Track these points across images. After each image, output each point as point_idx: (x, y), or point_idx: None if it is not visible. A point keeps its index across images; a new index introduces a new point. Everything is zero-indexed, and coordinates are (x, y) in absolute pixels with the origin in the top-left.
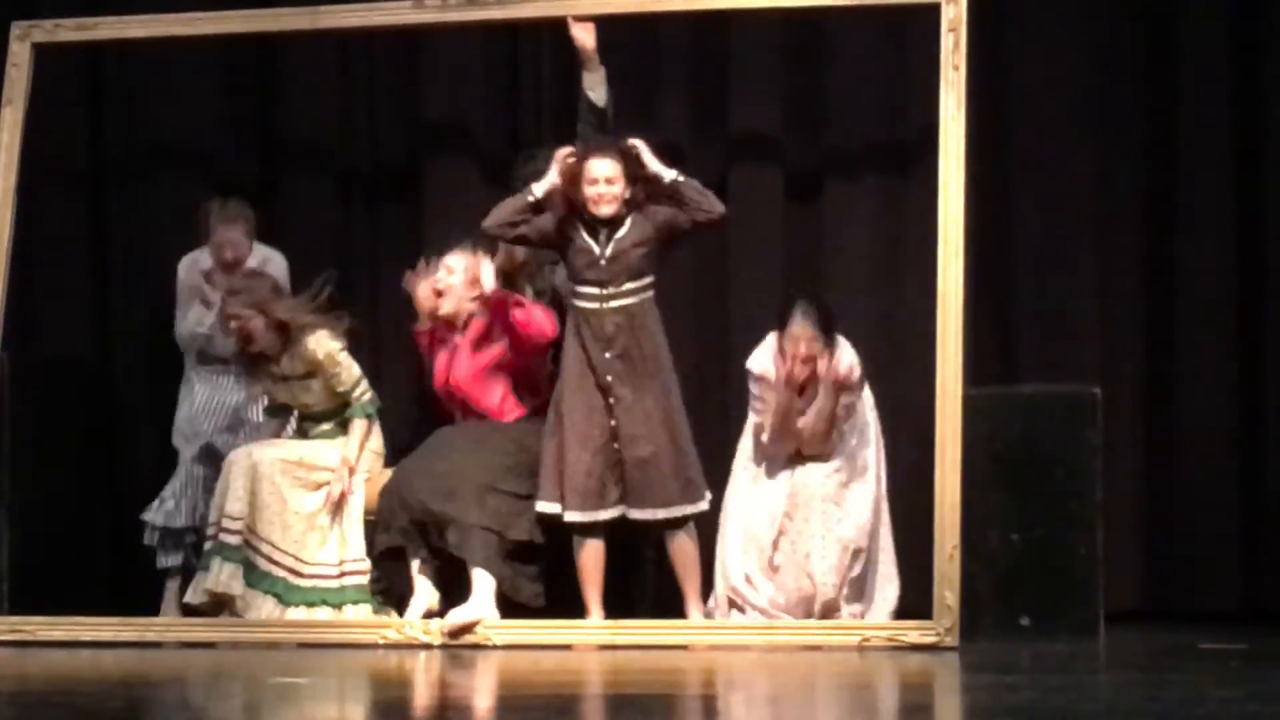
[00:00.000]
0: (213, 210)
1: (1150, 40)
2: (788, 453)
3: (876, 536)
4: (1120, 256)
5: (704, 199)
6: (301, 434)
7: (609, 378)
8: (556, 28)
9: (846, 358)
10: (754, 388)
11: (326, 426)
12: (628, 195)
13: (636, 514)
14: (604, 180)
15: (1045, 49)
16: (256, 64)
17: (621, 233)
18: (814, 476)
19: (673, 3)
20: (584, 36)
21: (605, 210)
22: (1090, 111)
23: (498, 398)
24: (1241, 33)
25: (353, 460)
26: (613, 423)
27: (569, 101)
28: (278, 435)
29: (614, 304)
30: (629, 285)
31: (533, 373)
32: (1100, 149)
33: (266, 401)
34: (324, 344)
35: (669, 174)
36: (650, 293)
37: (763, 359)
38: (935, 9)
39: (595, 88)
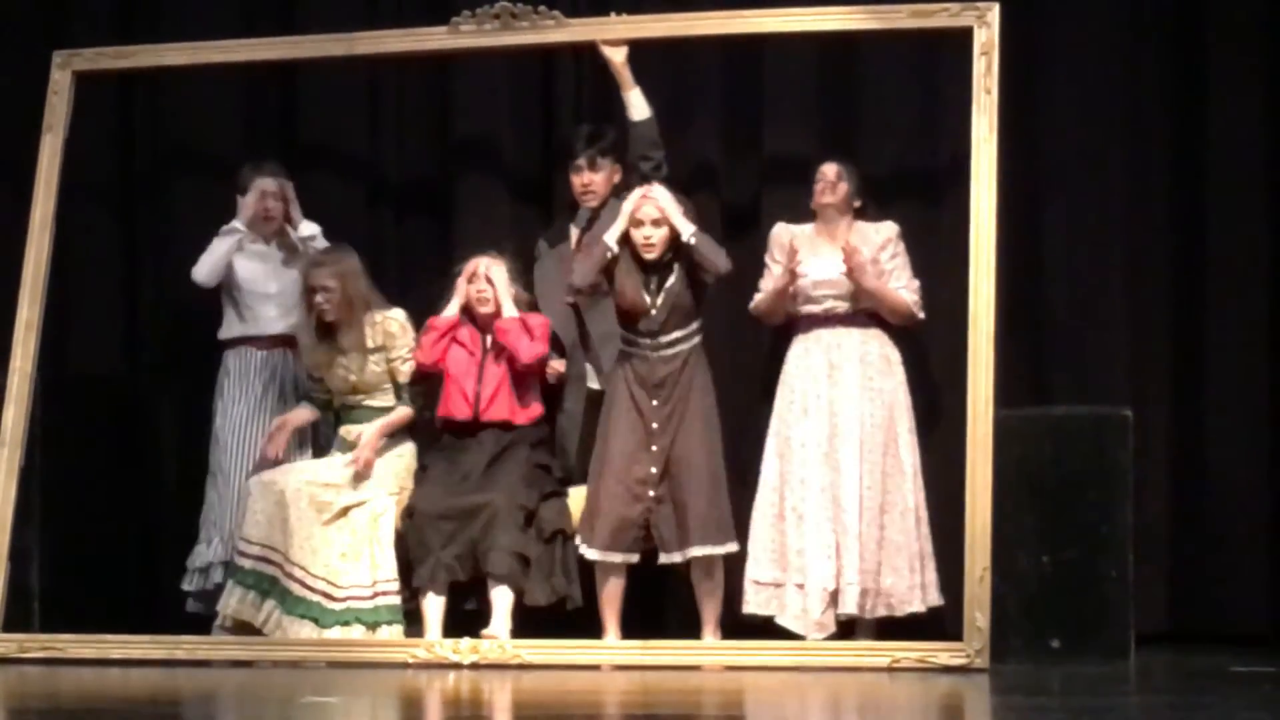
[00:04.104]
0: (246, 169)
1: (1182, 64)
2: (777, 319)
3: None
4: (1151, 278)
5: (712, 257)
6: (336, 419)
7: (655, 424)
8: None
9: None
10: (770, 252)
11: (371, 403)
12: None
13: (665, 558)
14: (650, 223)
15: (1077, 73)
16: (283, 76)
17: (671, 281)
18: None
19: (704, 26)
20: (614, 54)
21: (653, 255)
22: (1121, 134)
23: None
24: (1275, 54)
25: (378, 431)
26: (654, 469)
27: (601, 115)
28: (301, 425)
29: (665, 352)
30: (678, 333)
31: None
32: (1131, 171)
33: (309, 379)
34: (404, 322)
35: (687, 230)
36: (698, 338)
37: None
38: (967, 33)
39: (634, 105)
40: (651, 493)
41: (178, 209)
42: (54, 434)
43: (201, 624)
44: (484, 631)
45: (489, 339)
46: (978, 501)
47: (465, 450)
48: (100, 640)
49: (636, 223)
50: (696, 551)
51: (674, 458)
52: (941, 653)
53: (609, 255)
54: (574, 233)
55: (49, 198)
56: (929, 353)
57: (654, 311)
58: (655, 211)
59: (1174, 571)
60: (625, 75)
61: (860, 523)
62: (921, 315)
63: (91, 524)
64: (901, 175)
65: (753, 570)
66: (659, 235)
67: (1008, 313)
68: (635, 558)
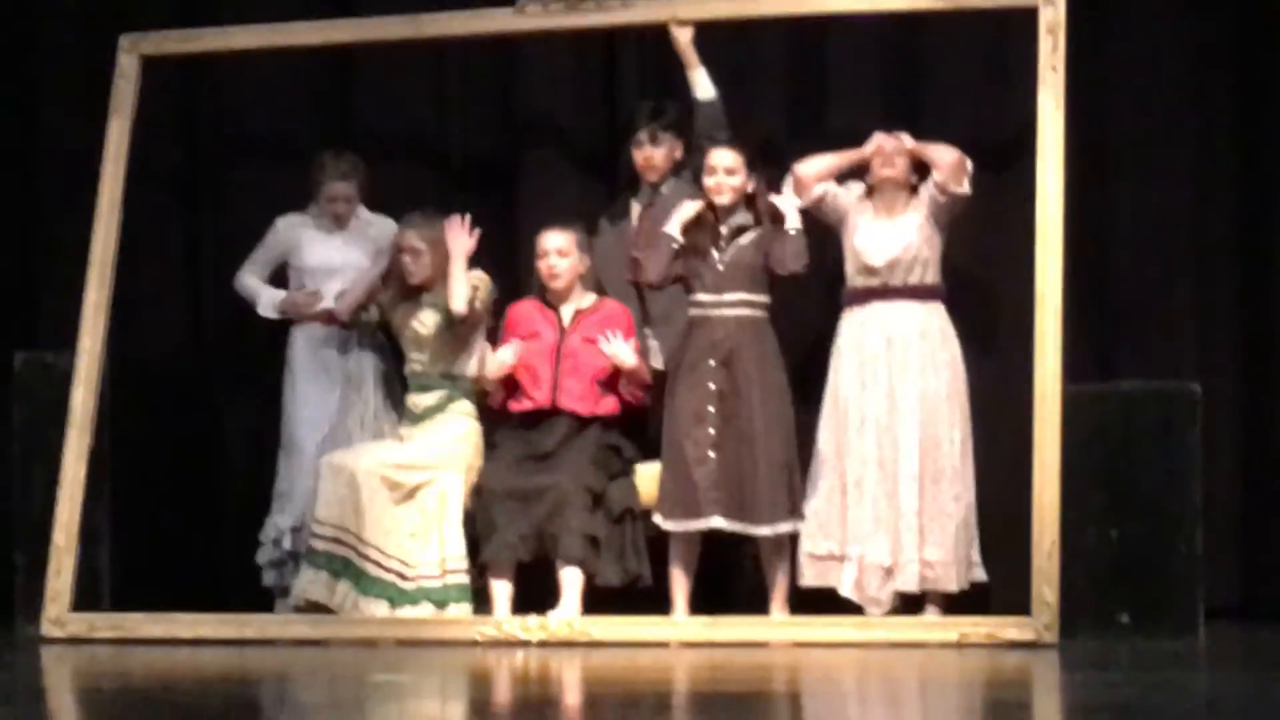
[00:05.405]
0: (326, 161)
1: (1249, 37)
2: (816, 184)
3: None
4: (1219, 253)
5: (788, 256)
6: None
7: (712, 385)
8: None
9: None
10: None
11: (430, 401)
12: (750, 189)
13: (730, 525)
14: (724, 170)
15: (1144, 47)
16: (346, 56)
17: (744, 240)
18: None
19: (771, 6)
20: (681, 34)
21: (723, 200)
22: (1188, 107)
23: (596, 390)
24: None
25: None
26: (711, 431)
27: (664, 90)
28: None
29: (725, 312)
30: (742, 295)
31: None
32: (1198, 146)
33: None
34: (485, 279)
35: (794, 222)
36: (763, 312)
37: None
38: (1033, 12)
39: (699, 84)
40: (712, 454)
41: (243, 190)
42: (123, 415)
43: (271, 602)
44: (553, 614)
45: (565, 314)
46: (1046, 477)
47: (538, 430)
48: (170, 619)
49: (710, 170)
50: (753, 530)
51: (735, 431)
52: (1010, 628)
53: (674, 246)
54: (635, 209)
55: (116, 181)
56: (995, 328)
57: (720, 266)
58: (730, 160)
59: (1243, 546)
60: (691, 55)
61: (921, 499)
62: (970, 167)
63: (161, 504)
64: (967, 149)
65: (807, 544)
66: (730, 183)
67: (1075, 288)
68: (712, 522)
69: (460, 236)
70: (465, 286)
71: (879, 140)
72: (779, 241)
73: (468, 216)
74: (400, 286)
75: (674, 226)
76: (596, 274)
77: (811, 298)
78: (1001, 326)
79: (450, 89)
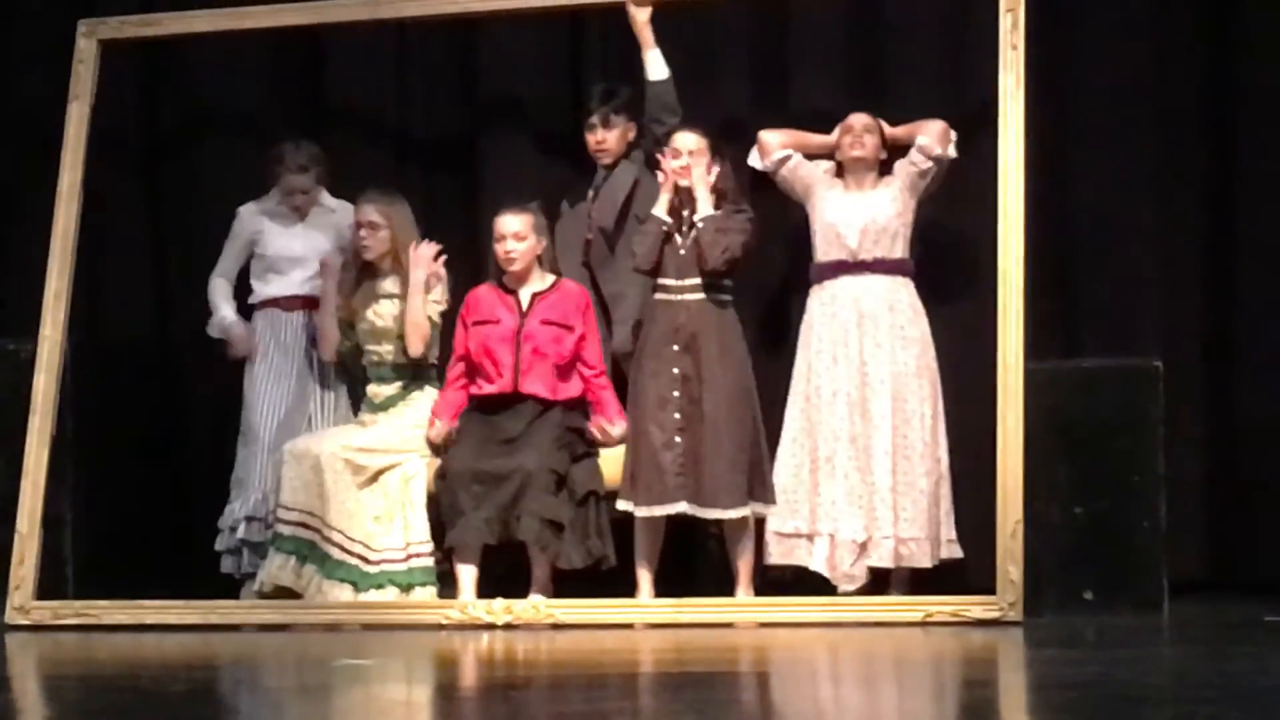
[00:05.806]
0: (285, 153)
1: (1213, 13)
2: (778, 151)
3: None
4: (1181, 227)
5: (712, 248)
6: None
7: (675, 370)
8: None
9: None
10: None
11: (391, 390)
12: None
13: (695, 510)
14: (686, 153)
15: (1105, 24)
16: (309, 36)
17: (705, 224)
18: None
19: None
20: (639, 13)
21: (686, 181)
22: (1151, 85)
23: (558, 376)
24: None
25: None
26: (677, 415)
27: (628, 73)
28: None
29: (687, 296)
30: (703, 279)
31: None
32: (1160, 121)
33: (342, 344)
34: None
35: (703, 210)
36: (728, 296)
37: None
38: None
39: (652, 65)
40: (678, 439)
41: (205, 173)
42: (86, 401)
43: (236, 587)
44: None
45: (524, 297)
46: (1009, 454)
47: (502, 415)
48: (135, 606)
49: (675, 153)
50: (716, 514)
51: (700, 415)
52: (975, 606)
53: (664, 228)
54: (590, 193)
55: (76, 166)
56: (957, 305)
57: (682, 251)
58: (693, 143)
59: (1207, 521)
60: (647, 35)
61: (894, 474)
62: (954, 135)
63: (125, 490)
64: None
65: (773, 522)
66: (694, 165)
67: (1037, 265)
68: (678, 507)
69: (424, 258)
70: (424, 324)
71: (849, 120)
72: (699, 235)
73: (438, 247)
74: (357, 272)
75: (661, 209)
76: (554, 256)
77: (773, 276)
78: (966, 303)
79: (413, 69)
